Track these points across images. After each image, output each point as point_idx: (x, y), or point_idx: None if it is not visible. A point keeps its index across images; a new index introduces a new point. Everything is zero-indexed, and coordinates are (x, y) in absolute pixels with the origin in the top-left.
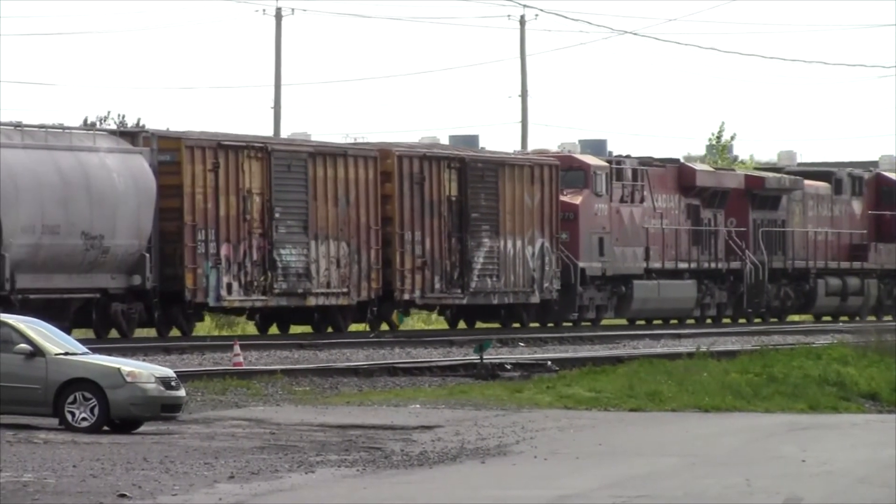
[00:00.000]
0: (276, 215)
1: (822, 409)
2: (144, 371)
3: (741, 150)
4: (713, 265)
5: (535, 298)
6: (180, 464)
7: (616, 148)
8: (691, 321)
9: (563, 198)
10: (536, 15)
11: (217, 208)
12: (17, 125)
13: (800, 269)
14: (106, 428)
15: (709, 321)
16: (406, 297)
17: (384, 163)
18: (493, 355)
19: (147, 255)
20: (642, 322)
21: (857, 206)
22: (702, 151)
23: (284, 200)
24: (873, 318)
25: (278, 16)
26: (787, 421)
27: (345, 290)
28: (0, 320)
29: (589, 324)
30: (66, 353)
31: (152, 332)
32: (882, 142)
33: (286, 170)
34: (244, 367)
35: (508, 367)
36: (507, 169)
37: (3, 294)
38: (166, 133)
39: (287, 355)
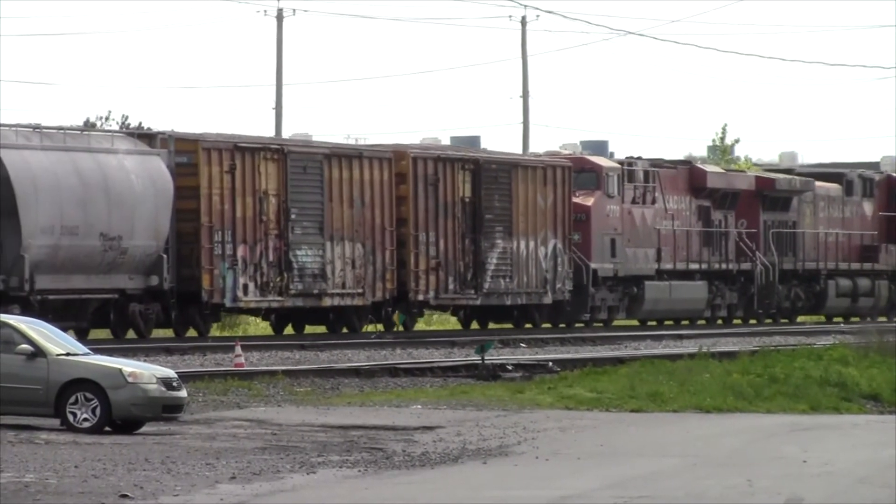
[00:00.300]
0: (292, 216)
1: (823, 409)
2: (146, 372)
3: (741, 151)
4: (724, 266)
5: (548, 299)
6: (182, 464)
7: (617, 149)
8: (701, 322)
9: (575, 199)
10: (537, 16)
11: (233, 209)
12: (36, 127)
13: (810, 270)
14: (107, 428)
15: (719, 322)
16: (420, 297)
17: (399, 164)
18: (494, 356)
19: (164, 256)
20: (653, 322)
21: (867, 207)
22: (703, 152)
23: (300, 202)
24: (884, 319)
25: (279, 16)
26: (788, 421)
27: (360, 290)
28: (1, 321)
29: (601, 324)
30: (68, 354)
31: (169, 333)
32: (883, 142)
33: (302, 171)
34: (245, 368)
35: (510, 367)
36: (520, 170)
37: (22, 294)
38: (183, 135)
39: (288, 356)
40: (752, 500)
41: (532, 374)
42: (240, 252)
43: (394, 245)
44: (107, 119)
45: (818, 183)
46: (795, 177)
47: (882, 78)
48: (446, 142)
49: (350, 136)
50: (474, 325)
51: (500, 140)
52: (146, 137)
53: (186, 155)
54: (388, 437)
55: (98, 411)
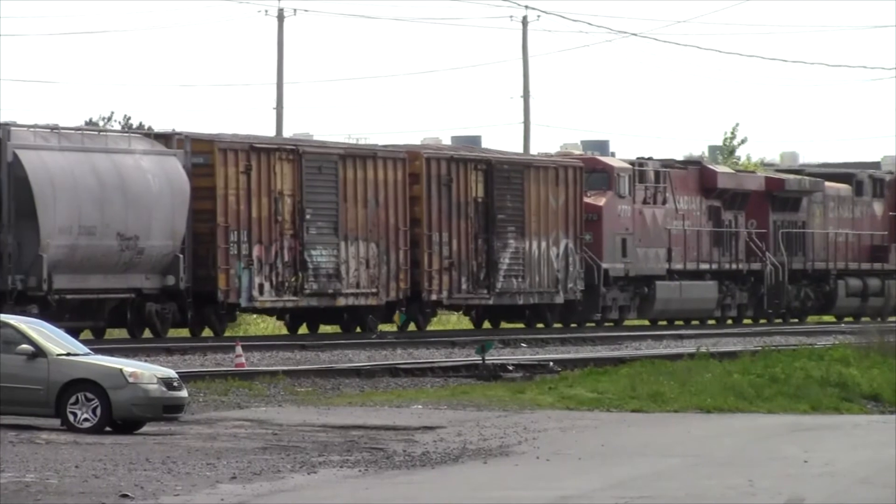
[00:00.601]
0: (307, 217)
1: (824, 409)
2: (146, 372)
3: (742, 151)
4: (734, 266)
5: (560, 299)
6: (182, 464)
7: (617, 149)
8: (712, 322)
9: (586, 199)
10: (538, 16)
11: (249, 210)
12: (54, 127)
13: (820, 270)
14: (108, 428)
15: (729, 322)
16: (434, 297)
17: (412, 164)
18: (495, 356)
19: (181, 255)
20: (664, 322)
21: (878, 207)
22: (704, 152)
23: (315, 202)
24: (895, 319)
25: (280, 16)
26: (789, 422)
27: (374, 290)
28: (2, 321)
29: (612, 324)
30: (68, 354)
31: (185, 333)
32: (884, 143)
33: (317, 172)
34: (246, 368)
35: (510, 367)
36: (532, 171)
37: (40, 294)
38: (200, 136)
39: (289, 356)
40: (753, 500)
41: (533, 374)
42: (255, 252)
43: (407, 245)
44: (109, 119)
45: (828, 183)
46: (805, 177)
47: (883, 78)
48: (447, 141)
49: (351, 135)
50: (486, 325)
51: (501, 140)
52: (163, 138)
53: (202, 155)
54: (388, 437)
55: (99, 411)
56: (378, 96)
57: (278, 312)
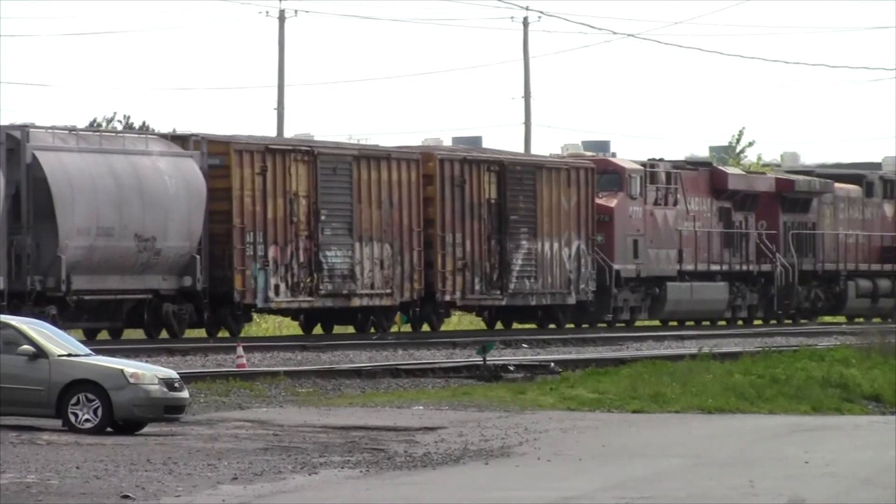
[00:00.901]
0: (322, 218)
1: (825, 410)
2: (147, 372)
3: (746, 154)
4: (744, 267)
5: (572, 300)
6: (183, 465)
7: (618, 150)
8: (722, 322)
9: (598, 200)
10: (539, 17)
11: (265, 211)
12: (72, 129)
13: (830, 271)
14: (109, 429)
15: (740, 322)
16: (447, 298)
17: (426, 166)
18: (496, 357)
19: (197, 256)
20: (674, 323)
21: (888, 208)
22: (705, 153)
23: (330, 203)
24: None
25: (281, 17)
26: (790, 422)
27: (388, 290)
28: (3, 322)
29: (623, 325)
30: (69, 355)
31: (202, 333)
32: (885, 144)
33: (332, 173)
34: (247, 369)
35: (512, 368)
36: (544, 172)
37: (59, 295)
38: (216, 137)
39: (290, 357)
40: (754, 500)
41: (534, 374)
42: (271, 253)
43: (421, 246)
44: (111, 121)
45: (838, 184)
46: (815, 178)
47: (884, 79)
48: (448, 142)
49: (351, 136)
50: (499, 325)
51: (502, 141)
52: (179, 139)
53: (218, 157)
54: (389, 438)
55: (100, 412)
56: (379, 97)
57: (293, 313)
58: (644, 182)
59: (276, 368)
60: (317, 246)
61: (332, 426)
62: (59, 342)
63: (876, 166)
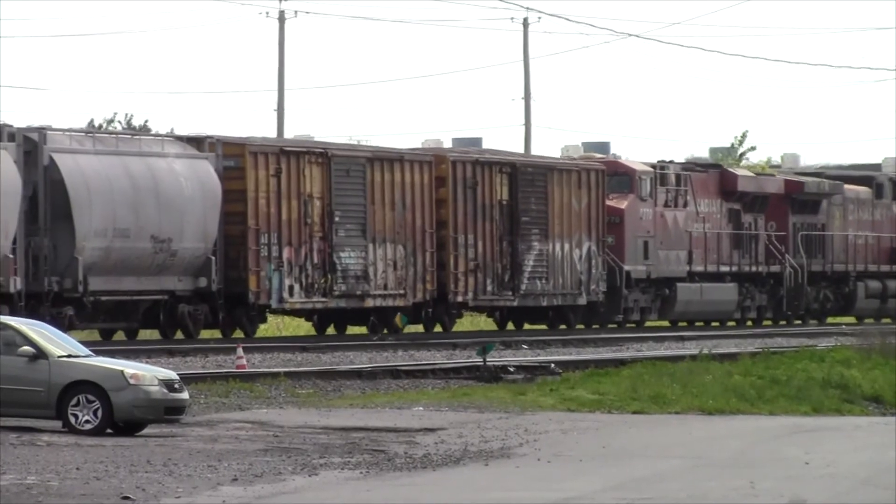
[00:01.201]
0: (336, 219)
1: (825, 411)
2: (147, 373)
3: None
4: (754, 268)
5: (582, 300)
6: (184, 466)
7: (619, 150)
8: (731, 323)
9: (609, 202)
10: (539, 18)
11: (279, 212)
12: (89, 131)
13: (839, 272)
14: (109, 430)
15: (749, 323)
16: (459, 298)
17: (438, 167)
18: (496, 358)
19: (213, 258)
20: (684, 324)
21: None
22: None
23: (343, 204)
24: None
25: (281, 18)
26: (790, 423)
27: (401, 291)
28: (3, 323)
29: (634, 325)
30: (69, 356)
31: (217, 334)
32: (885, 144)
33: (345, 174)
34: (247, 370)
35: (512, 369)
36: (555, 174)
37: (76, 296)
38: (231, 139)
39: (290, 358)
40: (754, 501)
41: (534, 375)
42: (285, 254)
43: (434, 247)
44: (111, 122)
45: (847, 186)
46: (824, 180)
47: (886, 80)
48: (448, 143)
49: (352, 137)
50: (510, 326)
51: (502, 142)
52: (194, 142)
53: (234, 159)
54: (389, 439)
55: (100, 413)
56: (379, 98)
57: (307, 314)
58: (654, 184)
59: (276, 369)
60: (331, 247)
61: (333, 427)
62: (58, 343)
63: (875, 167)
